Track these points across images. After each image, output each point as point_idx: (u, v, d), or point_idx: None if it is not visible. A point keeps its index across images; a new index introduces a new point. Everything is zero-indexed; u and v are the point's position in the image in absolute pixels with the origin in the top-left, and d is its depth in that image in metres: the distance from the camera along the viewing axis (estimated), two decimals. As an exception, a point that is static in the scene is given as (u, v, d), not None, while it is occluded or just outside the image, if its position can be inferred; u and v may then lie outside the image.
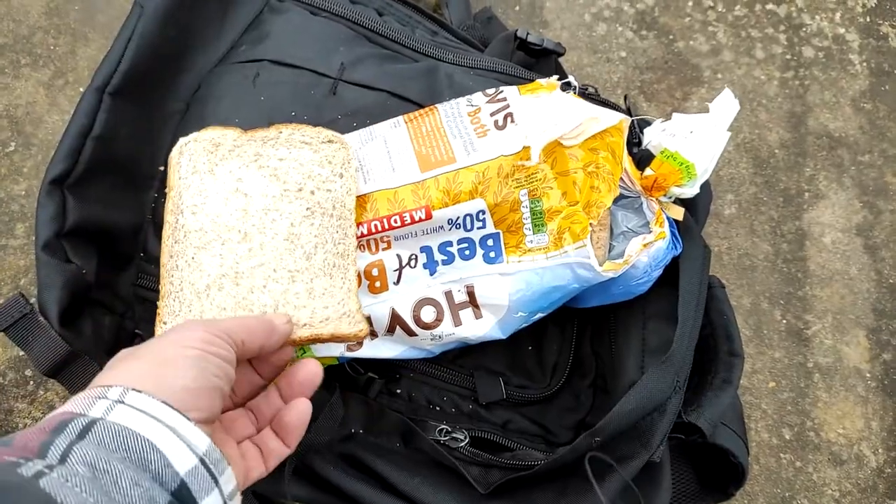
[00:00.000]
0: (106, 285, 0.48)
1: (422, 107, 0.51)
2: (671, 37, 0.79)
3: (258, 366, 0.40)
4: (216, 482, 0.29)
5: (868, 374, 0.72)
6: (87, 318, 0.46)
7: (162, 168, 0.50)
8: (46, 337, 0.42)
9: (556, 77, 0.49)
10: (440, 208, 0.44)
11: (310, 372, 0.39)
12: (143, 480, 0.27)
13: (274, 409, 0.39)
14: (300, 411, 0.38)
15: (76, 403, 0.29)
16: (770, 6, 0.81)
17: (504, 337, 0.48)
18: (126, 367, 0.32)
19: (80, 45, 0.69)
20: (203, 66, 0.53)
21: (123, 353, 0.34)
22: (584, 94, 0.56)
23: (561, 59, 0.63)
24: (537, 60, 0.61)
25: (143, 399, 0.29)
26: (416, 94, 0.52)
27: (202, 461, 0.29)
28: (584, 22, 0.78)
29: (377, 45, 0.56)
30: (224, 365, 0.34)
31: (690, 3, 0.80)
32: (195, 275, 0.42)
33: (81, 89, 0.68)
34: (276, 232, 0.43)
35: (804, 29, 0.81)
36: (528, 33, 0.59)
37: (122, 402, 0.29)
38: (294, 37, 0.54)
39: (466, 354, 0.55)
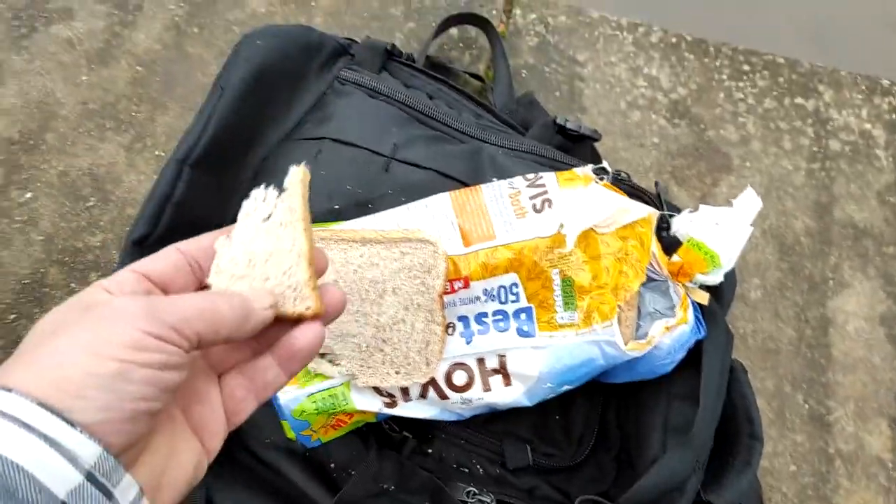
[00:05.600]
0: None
1: (465, 184, 0.55)
2: (702, 125, 0.83)
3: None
4: (110, 496, 0.24)
5: (890, 464, 0.72)
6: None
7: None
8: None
9: (590, 166, 0.54)
10: (477, 280, 0.48)
11: (315, 336, 0.31)
12: None
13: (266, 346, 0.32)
14: (315, 334, 0.31)
15: None
16: (798, 100, 0.85)
17: (531, 404, 0.51)
18: (15, 366, 0.24)
19: (159, 112, 0.76)
20: (271, 140, 0.59)
21: (32, 336, 0.26)
22: (617, 178, 0.60)
23: (597, 144, 0.67)
24: (575, 144, 0.65)
25: (15, 401, 0.22)
26: (460, 172, 0.56)
27: (90, 476, 0.23)
28: (620, 109, 0.83)
29: (427, 127, 0.61)
30: (160, 377, 0.25)
31: (722, 95, 0.85)
32: None
33: (157, 153, 0.74)
34: None
35: (831, 123, 0.84)
36: (566, 120, 0.64)
37: None
38: (353, 118, 0.59)
39: (496, 420, 0.57)
